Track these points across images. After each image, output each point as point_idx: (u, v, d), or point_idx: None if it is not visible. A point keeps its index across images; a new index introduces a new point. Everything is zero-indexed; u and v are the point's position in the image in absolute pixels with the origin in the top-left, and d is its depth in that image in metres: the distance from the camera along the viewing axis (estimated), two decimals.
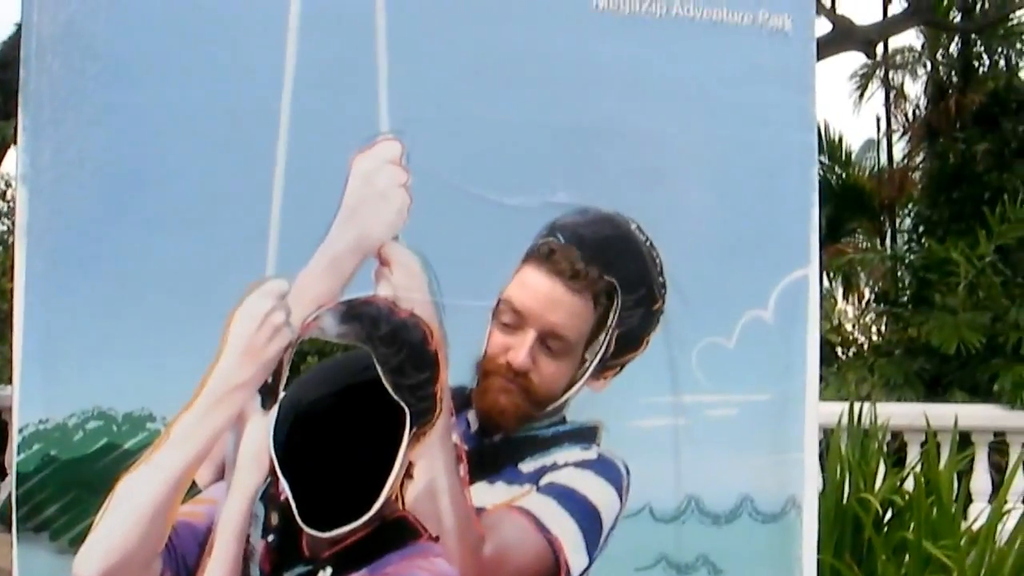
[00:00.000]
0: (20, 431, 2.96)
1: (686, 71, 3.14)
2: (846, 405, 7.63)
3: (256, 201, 2.92)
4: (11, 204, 22.83)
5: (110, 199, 2.95)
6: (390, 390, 2.75)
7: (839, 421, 7.51)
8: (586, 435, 3.09)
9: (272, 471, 2.81)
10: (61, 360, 2.92)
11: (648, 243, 3.08)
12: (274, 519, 2.87)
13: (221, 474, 2.89)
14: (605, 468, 3.07)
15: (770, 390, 3.12)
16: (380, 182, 2.95)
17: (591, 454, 3.08)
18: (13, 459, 2.97)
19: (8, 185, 22.97)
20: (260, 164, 2.93)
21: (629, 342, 3.09)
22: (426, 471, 2.90)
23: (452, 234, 3.00)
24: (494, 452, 3.08)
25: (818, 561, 6.23)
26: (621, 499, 3.07)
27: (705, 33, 3.17)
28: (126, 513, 2.81)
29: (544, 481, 3.06)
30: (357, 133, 2.97)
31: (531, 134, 3.06)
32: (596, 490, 3.05)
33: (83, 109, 2.95)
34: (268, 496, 2.86)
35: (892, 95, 24.02)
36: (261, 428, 2.82)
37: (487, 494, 3.04)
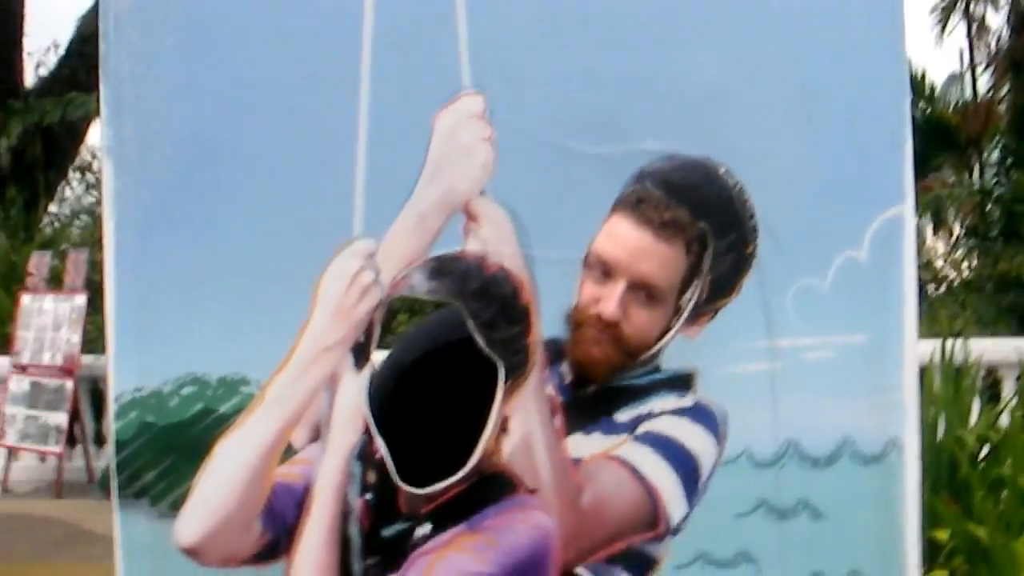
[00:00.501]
0: (116, 399, 3.01)
1: (772, 12, 3.09)
2: (938, 342, 7.58)
3: (340, 162, 2.92)
4: (98, 176, 23.10)
5: (195, 167, 2.97)
6: (483, 345, 2.74)
7: (931, 359, 7.45)
8: (681, 382, 3.06)
9: (367, 430, 2.82)
10: (154, 328, 2.95)
11: (738, 187, 3.03)
12: (371, 477, 2.89)
13: (316, 434, 2.91)
14: (701, 415, 3.05)
15: (867, 331, 3.06)
16: (464, 137, 2.93)
17: (687, 401, 3.06)
18: (111, 427, 3.00)
19: (94, 157, 23.24)
20: (343, 126, 2.92)
21: (722, 287, 3.05)
22: (521, 424, 2.89)
23: (538, 186, 2.97)
24: (589, 403, 3.07)
25: None
26: (719, 445, 3.04)
27: None
28: (224, 476, 2.83)
29: (640, 430, 3.05)
30: (439, 90, 2.95)
31: (614, 83, 3.01)
32: (693, 437, 3.03)
33: (163, 81, 2.97)
34: (364, 454, 2.88)
35: (974, 27, 23.74)
36: (355, 387, 2.84)
37: (583, 445, 3.02)
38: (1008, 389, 9.53)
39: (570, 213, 2.99)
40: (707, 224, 3.03)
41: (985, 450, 6.97)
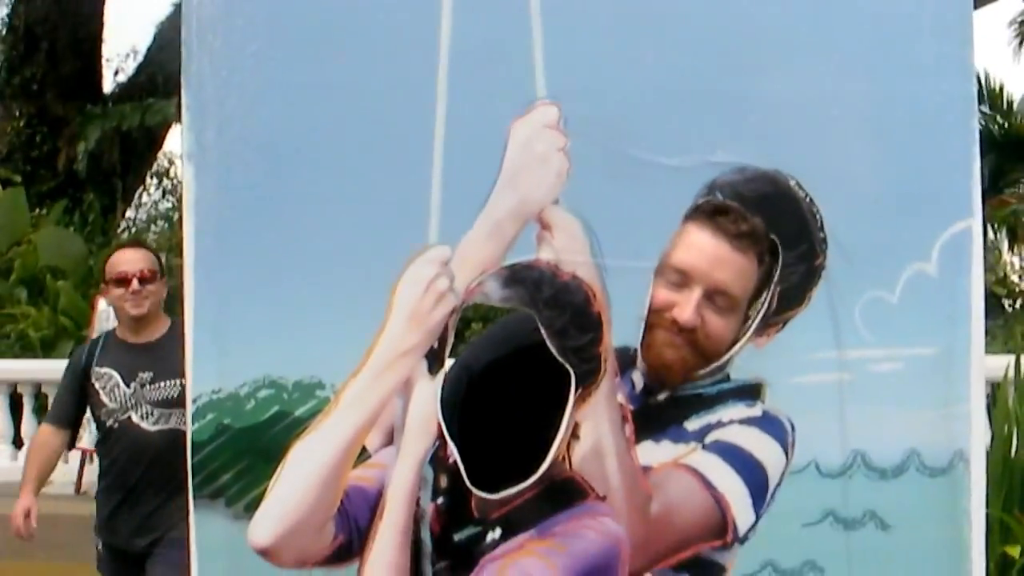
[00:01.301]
0: (194, 401, 3.05)
1: (842, 26, 3.10)
2: (1012, 358, 7.50)
3: (417, 170, 2.96)
4: (175, 182, 23.27)
5: (274, 174, 3.02)
6: (555, 352, 2.75)
7: (1005, 374, 7.38)
8: (750, 392, 3.08)
9: (440, 435, 2.84)
10: (231, 332, 3.00)
11: (808, 199, 3.05)
12: (443, 481, 2.91)
13: (390, 439, 2.95)
14: (770, 424, 3.06)
15: (935, 343, 3.07)
16: (539, 147, 2.96)
17: (756, 411, 3.07)
18: (188, 428, 3.05)
19: (171, 163, 23.42)
20: (420, 134, 2.96)
21: (792, 298, 3.07)
22: (592, 431, 2.91)
23: (612, 196, 3.00)
24: (659, 411, 3.09)
25: (987, 515, 6.18)
26: (787, 455, 3.05)
27: None
28: (298, 479, 2.86)
29: (709, 439, 3.06)
30: (514, 99, 2.98)
31: (687, 96, 3.05)
32: (761, 447, 3.04)
33: (245, 87, 3.02)
34: (437, 459, 2.90)
35: None
36: (429, 393, 2.86)
37: (653, 453, 3.04)
38: None
39: (642, 223, 3.03)
40: (777, 235, 3.05)
41: None
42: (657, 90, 3.04)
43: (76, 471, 11.85)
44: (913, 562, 3.10)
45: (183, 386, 3.31)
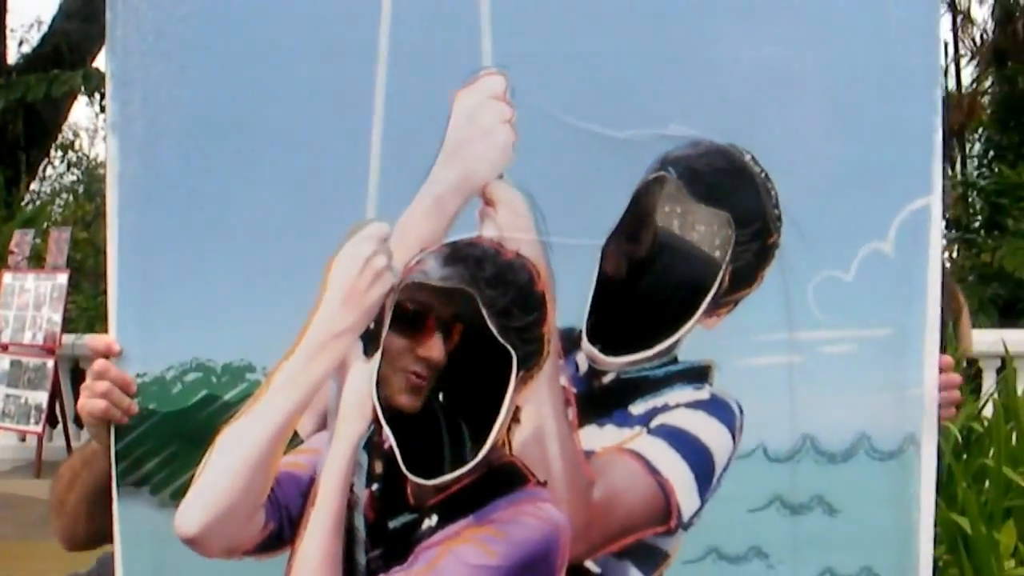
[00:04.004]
0: None
1: None
2: None
3: (354, 142, 2.86)
4: (80, 155, 23.14)
5: (203, 147, 2.89)
6: (496, 333, 2.71)
7: None
8: (698, 374, 3.02)
9: (375, 419, 2.79)
10: (157, 312, 2.89)
11: (763, 175, 2.99)
12: (378, 467, 2.86)
13: (323, 424, 2.87)
14: (718, 408, 3.01)
15: (890, 325, 3.03)
16: (484, 119, 2.87)
17: (703, 394, 3.02)
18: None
19: (76, 135, 23.27)
20: (358, 104, 2.86)
21: (743, 278, 3.01)
22: (534, 415, 2.86)
23: (560, 170, 2.92)
24: (604, 394, 3.03)
25: None
26: (734, 439, 3.01)
27: None
28: (227, 465, 2.79)
29: (655, 423, 3.02)
30: (459, 68, 2.89)
31: (640, 65, 2.96)
32: (708, 431, 3.00)
33: (173, 53, 2.89)
34: (371, 444, 2.84)
35: (959, 19, 23.88)
36: (364, 375, 2.79)
37: (597, 437, 2.99)
38: (989, 380, 9.63)
39: (590, 199, 2.94)
40: (730, 212, 3.00)
41: (968, 441, 7.03)
42: (608, 60, 2.95)
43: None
44: (860, 547, 3.07)
45: None
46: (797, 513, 3.04)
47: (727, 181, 2.99)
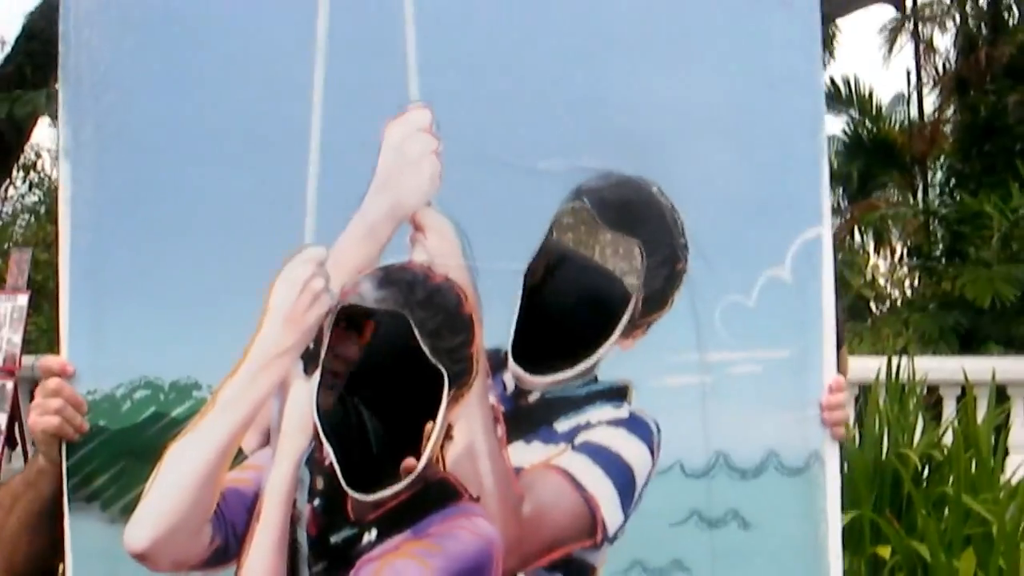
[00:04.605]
0: None
1: (701, 36, 3.21)
2: (883, 360, 7.64)
3: (293, 171, 2.99)
4: (42, 175, 22.93)
5: (150, 172, 3.02)
6: (428, 353, 2.82)
7: (877, 376, 7.52)
8: (617, 394, 3.14)
9: (316, 436, 2.88)
10: (107, 331, 2.98)
11: (670, 205, 3.14)
12: (319, 483, 2.94)
13: (267, 440, 2.96)
14: (637, 426, 3.13)
15: (790, 347, 3.18)
16: (412, 149, 3.01)
17: (623, 412, 3.14)
18: None
19: (39, 156, 23.08)
20: (296, 135, 3.00)
21: (655, 302, 3.14)
22: (465, 433, 2.97)
23: (483, 199, 3.06)
24: (530, 412, 3.14)
25: (859, 516, 6.30)
26: (653, 456, 3.13)
27: (716, 3, 3.24)
28: (175, 481, 2.89)
29: (579, 440, 3.13)
30: (389, 101, 3.03)
31: (553, 101, 3.11)
32: (629, 448, 3.12)
33: (122, 82, 3.02)
34: (313, 461, 2.93)
35: (922, 48, 23.91)
36: (304, 394, 2.89)
37: (524, 454, 3.09)
38: (950, 408, 9.60)
39: (513, 226, 3.08)
40: (640, 240, 3.13)
41: (928, 469, 7.06)
42: (526, 94, 3.11)
43: None
44: (773, 560, 3.19)
45: None
46: (714, 527, 3.16)
47: (636, 211, 3.14)
